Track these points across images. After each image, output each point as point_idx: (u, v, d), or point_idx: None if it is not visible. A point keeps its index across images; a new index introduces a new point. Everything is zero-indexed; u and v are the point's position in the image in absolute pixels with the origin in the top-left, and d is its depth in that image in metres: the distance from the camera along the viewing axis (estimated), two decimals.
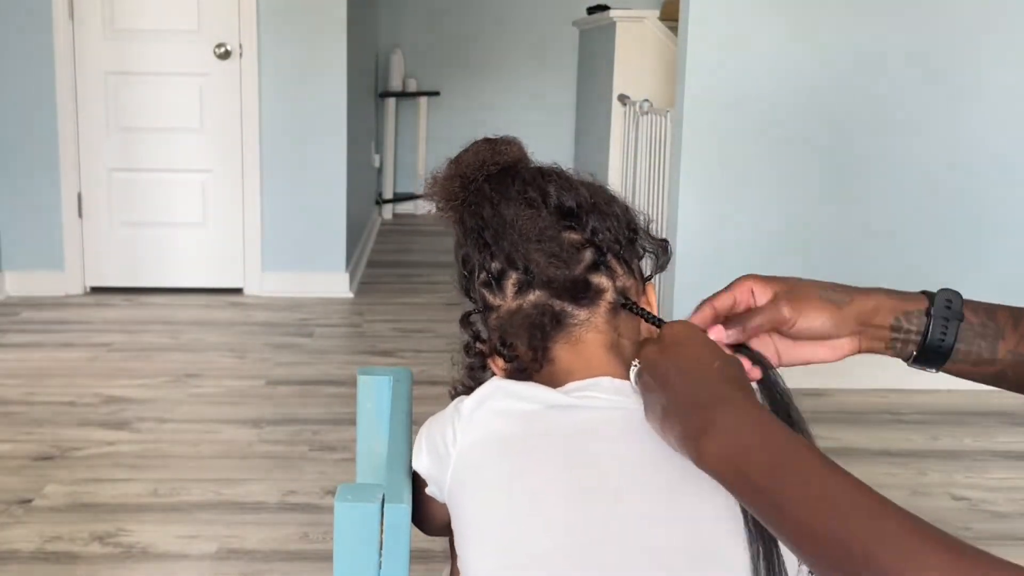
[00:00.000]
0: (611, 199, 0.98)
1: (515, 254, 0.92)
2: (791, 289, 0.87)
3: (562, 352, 0.93)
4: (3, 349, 3.66)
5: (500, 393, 0.88)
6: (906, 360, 0.90)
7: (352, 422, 1.14)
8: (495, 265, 0.94)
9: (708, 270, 3.21)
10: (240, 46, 4.33)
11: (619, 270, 0.95)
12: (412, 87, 6.78)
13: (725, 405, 0.74)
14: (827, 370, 3.18)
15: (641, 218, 0.99)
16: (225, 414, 3.06)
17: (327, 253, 4.51)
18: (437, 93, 6.81)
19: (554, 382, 0.91)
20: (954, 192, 3.35)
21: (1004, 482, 2.67)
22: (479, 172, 0.98)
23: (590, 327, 0.93)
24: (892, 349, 0.89)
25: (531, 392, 0.87)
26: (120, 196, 4.40)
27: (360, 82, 5.22)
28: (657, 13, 4.75)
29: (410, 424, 1.01)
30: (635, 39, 4.68)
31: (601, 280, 0.93)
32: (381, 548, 0.81)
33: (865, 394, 3.27)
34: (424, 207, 6.95)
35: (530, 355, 0.93)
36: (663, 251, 0.99)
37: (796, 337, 0.87)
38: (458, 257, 0.99)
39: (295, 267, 4.49)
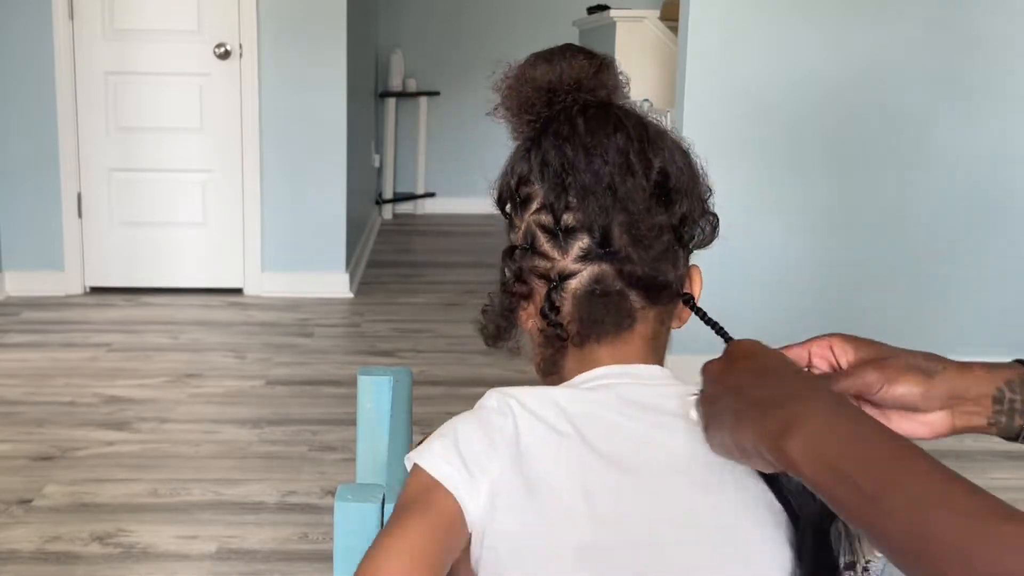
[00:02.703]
0: (699, 176, 0.89)
1: (598, 219, 0.83)
2: (878, 354, 0.80)
3: (623, 336, 0.87)
4: (3, 349, 3.66)
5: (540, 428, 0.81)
6: (1013, 438, 0.81)
7: (352, 422, 1.14)
8: (568, 218, 0.84)
9: (708, 271, 3.21)
10: (240, 46, 4.33)
11: (682, 258, 0.88)
12: (412, 87, 6.78)
13: (809, 401, 0.69)
14: None
15: (709, 194, 0.90)
16: (225, 414, 3.06)
17: (327, 253, 4.51)
18: (437, 93, 6.81)
19: (584, 363, 0.87)
20: (965, 192, 3.34)
21: (1004, 482, 2.67)
22: (573, 94, 0.87)
23: (642, 317, 0.87)
24: (996, 425, 0.80)
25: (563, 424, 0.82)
26: (120, 196, 4.40)
27: (360, 82, 5.22)
28: (657, 13, 4.75)
29: (410, 424, 1.01)
30: (635, 39, 4.67)
31: (667, 270, 0.86)
32: None
33: None
34: (424, 207, 6.96)
35: (576, 329, 0.86)
36: (712, 229, 0.90)
37: (881, 405, 0.80)
38: (512, 169, 0.89)
39: (295, 267, 4.49)
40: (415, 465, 0.80)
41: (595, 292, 0.85)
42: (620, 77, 0.91)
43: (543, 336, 0.87)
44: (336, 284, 4.52)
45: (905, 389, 0.78)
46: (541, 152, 0.86)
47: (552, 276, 0.85)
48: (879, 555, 0.76)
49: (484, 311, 0.93)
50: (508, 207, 0.90)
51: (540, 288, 0.87)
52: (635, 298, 0.85)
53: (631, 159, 0.84)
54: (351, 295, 4.53)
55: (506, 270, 0.89)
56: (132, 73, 4.33)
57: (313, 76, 4.39)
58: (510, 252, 0.88)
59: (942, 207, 3.35)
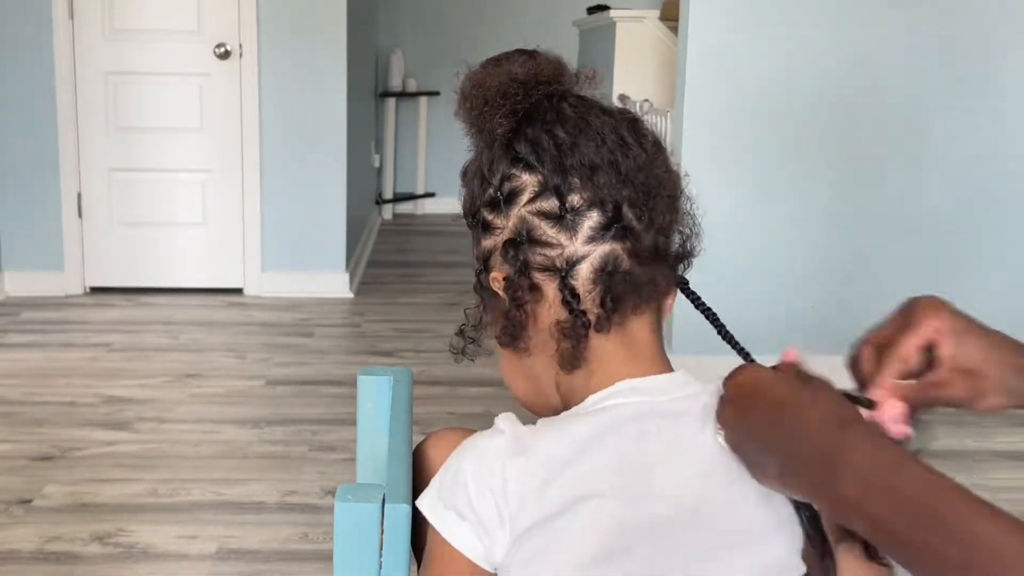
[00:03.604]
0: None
1: (608, 194, 0.82)
2: (974, 366, 0.75)
3: (633, 324, 0.85)
4: (3, 349, 3.66)
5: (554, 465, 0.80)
6: None
7: (352, 422, 1.14)
8: (575, 198, 0.82)
9: (708, 270, 3.21)
10: (240, 46, 4.33)
11: (680, 234, 0.88)
12: (412, 87, 6.78)
13: (846, 445, 0.67)
14: (823, 369, 3.17)
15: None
16: (225, 414, 3.06)
17: (327, 253, 4.51)
18: (437, 93, 6.81)
19: (601, 360, 0.84)
20: (968, 189, 3.34)
21: (1004, 482, 2.67)
22: (539, 86, 0.86)
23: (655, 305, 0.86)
24: None
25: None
26: (120, 196, 4.40)
27: (360, 82, 5.22)
28: (657, 13, 4.75)
29: (410, 424, 1.01)
30: (635, 39, 4.67)
31: (672, 242, 0.86)
32: (381, 548, 0.81)
33: None
34: (424, 207, 6.96)
35: (601, 314, 0.83)
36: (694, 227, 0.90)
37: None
38: (489, 169, 0.86)
39: (295, 267, 4.49)
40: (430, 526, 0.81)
41: (608, 271, 0.82)
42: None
43: (561, 330, 0.84)
44: (336, 284, 4.52)
45: (988, 405, 0.76)
46: (528, 140, 0.84)
47: (559, 265, 0.83)
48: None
49: (461, 331, 0.91)
50: (484, 212, 0.86)
51: (546, 282, 0.84)
52: (659, 276, 0.84)
53: (625, 136, 0.84)
54: (351, 295, 4.53)
55: (511, 266, 0.84)
56: (132, 73, 4.33)
57: (313, 76, 4.39)
58: (512, 245, 0.84)
59: (944, 205, 3.35)
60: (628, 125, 0.85)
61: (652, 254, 0.83)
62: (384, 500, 0.80)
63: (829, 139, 3.30)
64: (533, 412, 0.92)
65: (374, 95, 6.46)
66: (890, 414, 0.74)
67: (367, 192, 5.97)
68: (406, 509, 0.81)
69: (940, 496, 0.63)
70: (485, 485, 0.79)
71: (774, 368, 0.78)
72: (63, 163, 4.32)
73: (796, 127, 3.28)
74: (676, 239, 0.87)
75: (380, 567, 0.81)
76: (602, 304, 0.83)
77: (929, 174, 3.33)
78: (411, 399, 1.08)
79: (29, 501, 2.44)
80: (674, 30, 3.92)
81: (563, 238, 0.82)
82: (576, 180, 0.82)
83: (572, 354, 0.84)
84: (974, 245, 3.37)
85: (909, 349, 0.76)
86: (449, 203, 6.36)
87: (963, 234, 3.36)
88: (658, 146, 0.87)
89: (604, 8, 5.04)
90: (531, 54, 0.88)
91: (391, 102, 6.65)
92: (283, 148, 4.42)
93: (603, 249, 0.82)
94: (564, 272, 0.83)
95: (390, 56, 6.68)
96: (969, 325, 0.76)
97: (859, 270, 3.36)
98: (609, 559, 0.78)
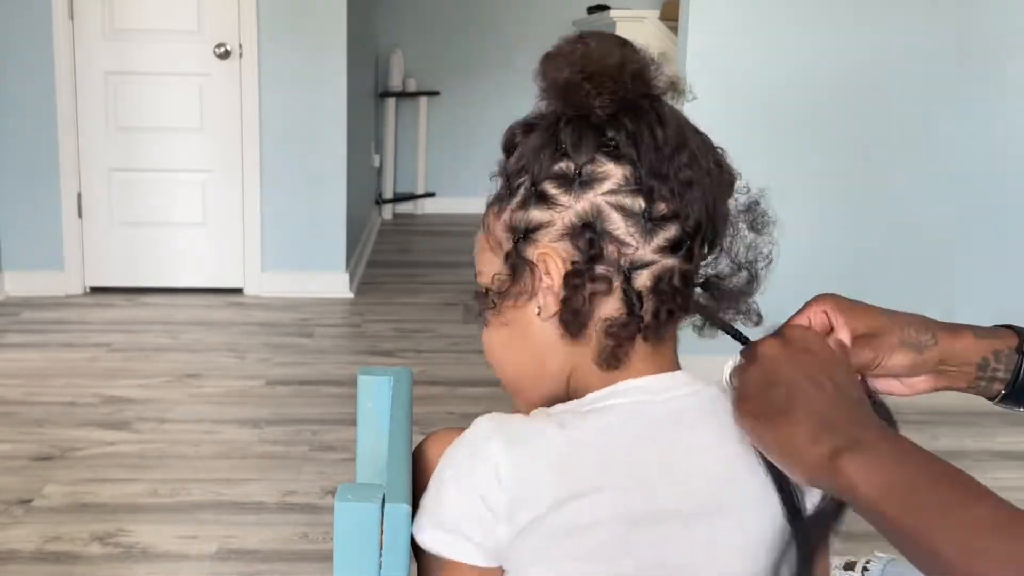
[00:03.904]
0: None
1: (694, 212, 0.81)
2: (872, 326, 0.84)
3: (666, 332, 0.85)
4: (3, 349, 3.66)
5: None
6: (991, 399, 0.87)
7: (352, 422, 1.14)
8: (663, 206, 0.81)
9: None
10: (240, 46, 4.33)
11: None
12: (412, 87, 6.78)
13: (871, 429, 0.71)
14: None
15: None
16: (225, 414, 3.06)
17: (327, 253, 4.51)
18: (437, 93, 6.81)
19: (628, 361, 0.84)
20: (968, 187, 3.34)
21: (1004, 482, 2.67)
22: (643, 83, 0.85)
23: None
24: (975, 388, 0.86)
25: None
26: (120, 196, 4.40)
27: (360, 82, 5.22)
28: (657, 13, 4.75)
29: (410, 424, 1.01)
30: (635, 39, 4.66)
31: (726, 276, 0.87)
32: (381, 548, 0.81)
33: None
34: (424, 207, 6.95)
35: (652, 323, 0.82)
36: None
37: (873, 374, 0.85)
38: (577, 144, 0.81)
39: (295, 267, 4.49)
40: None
41: (663, 284, 0.82)
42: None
43: (611, 328, 0.82)
44: (336, 284, 4.52)
45: (897, 363, 0.82)
46: (628, 132, 0.81)
47: (624, 264, 0.81)
48: (880, 555, 0.76)
49: (485, 293, 0.87)
50: (548, 184, 0.82)
51: (610, 276, 0.82)
52: (693, 294, 0.85)
53: (716, 163, 0.85)
54: (351, 295, 4.53)
55: (566, 255, 0.82)
56: (132, 73, 4.33)
57: (313, 76, 4.39)
58: (582, 232, 0.81)
59: (945, 203, 3.34)
60: (718, 154, 0.86)
61: (705, 280, 0.85)
62: (384, 500, 0.80)
63: (830, 139, 3.30)
64: (516, 395, 0.90)
65: (374, 95, 6.46)
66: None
67: (367, 192, 5.97)
68: (406, 509, 0.81)
69: (941, 483, 0.65)
70: (471, 489, 0.79)
71: (780, 335, 0.81)
72: (63, 163, 4.32)
73: (797, 127, 3.28)
74: (733, 275, 0.88)
75: (380, 567, 0.81)
76: (655, 315, 0.82)
77: (933, 175, 3.33)
78: (411, 399, 1.08)
79: (29, 501, 2.45)
80: (674, 30, 3.92)
81: (636, 240, 0.81)
82: (667, 189, 0.81)
83: (613, 353, 0.83)
84: (980, 247, 3.36)
85: (803, 320, 0.83)
86: (449, 203, 6.38)
87: (969, 235, 3.36)
88: (733, 185, 0.88)
89: (604, 8, 5.04)
90: (630, 43, 0.87)
91: (391, 102, 6.65)
92: (283, 148, 4.42)
93: (667, 262, 0.81)
94: (628, 272, 0.81)
95: (390, 56, 6.68)
96: (858, 302, 0.85)
97: (860, 271, 3.35)
98: (610, 555, 0.78)
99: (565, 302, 0.82)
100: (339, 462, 2.71)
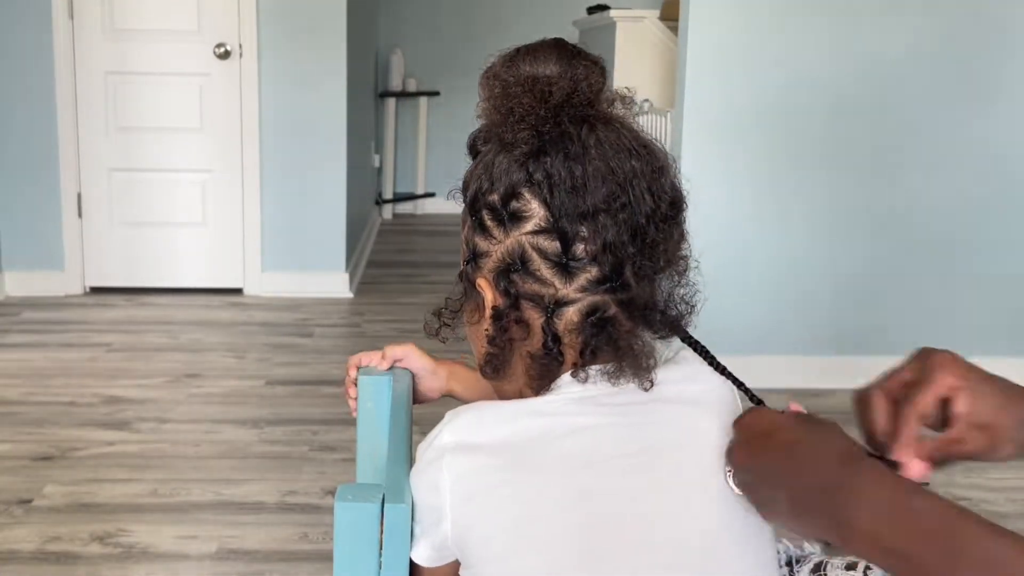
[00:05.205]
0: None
1: (612, 252, 0.79)
2: (992, 418, 0.75)
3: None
4: (3, 349, 3.66)
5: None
6: None
7: (352, 422, 1.14)
8: (579, 249, 0.79)
9: (707, 272, 3.21)
10: (240, 46, 4.32)
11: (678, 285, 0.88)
12: (412, 87, 6.78)
13: (857, 479, 0.69)
14: (827, 370, 3.17)
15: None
16: (225, 414, 3.06)
17: (327, 253, 4.51)
18: (437, 93, 6.81)
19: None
20: (968, 192, 3.34)
21: (1004, 482, 2.67)
22: (571, 108, 0.81)
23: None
24: None
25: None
26: (120, 196, 4.40)
27: (360, 82, 5.22)
28: (657, 13, 4.75)
29: (410, 424, 1.01)
30: (635, 39, 4.68)
31: (666, 300, 0.86)
32: (381, 548, 0.81)
33: None
34: (424, 207, 6.95)
35: (578, 361, 0.83)
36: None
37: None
38: (500, 176, 0.81)
39: (295, 267, 4.49)
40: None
41: (592, 320, 0.81)
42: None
43: (533, 362, 0.83)
44: (336, 284, 4.52)
45: (998, 457, 0.77)
46: (545, 170, 0.79)
47: (547, 303, 0.81)
48: None
49: (439, 313, 0.92)
50: (485, 214, 0.83)
51: (532, 314, 0.83)
52: (630, 324, 0.83)
53: (647, 188, 0.81)
54: (351, 295, 4.53)
55: (497, 294, 0.83)
56: (132, 73, 4.33)
57: (313, 76, 4.39)
58: (505, 274, 0.82)
59: (945, 208, 3.34)
60: (653, 175, 0.82)
61: (641, 311, 0.82)
62: (384, 500, 0.80)
63: (830, 139, 3.30)
64: (489, 379, 0.92)
65: (374, 95, 6.46)
66: (915, 474, 0.74)
67: (367, 192, 5.97)
68: (406, 509, 0.81)
69: (956, 523, 0.64)
70: (427, 486, 0.81)
71: (781, 412, 0.79)
72: (63, 163, 4.32)
73: (797, 127, 3.28)
74: (673, 301, 0.86)
75: (380, 567, 0.81)
76: (581, 353, 0.82)
77: (934, 178, 3.33)
78: (411, 399, 1.08)
79: (29, 501, 2.44)
80: (674, 30, 3.92)
81: (557, 281, 0.81)
82: (584, 230, 0.79)
83: (539, 384, 0.85)
84: (981, 250, 3.36)
85: (927, 406, 0.75)
86: (449, 203, 6.38)
87: (970, 239, 3.35)
88: (676, 206, 0.85)
89: (604, 8, 5.04)
90: (571, 51, 0.83)
91: (391, 102, 6.65)
92: (283, 148, 4.42)
93: (593, 299, 0.81)
94: (550, 311, 0.81)
95: (390, 56, 6.68)
96: (982, 379, 0.76)
97: (860, 272, 3.35)
98: (579, 553, 0.78)
99: (490, 341, 0.84)
100: (339, 462, 2.71)
